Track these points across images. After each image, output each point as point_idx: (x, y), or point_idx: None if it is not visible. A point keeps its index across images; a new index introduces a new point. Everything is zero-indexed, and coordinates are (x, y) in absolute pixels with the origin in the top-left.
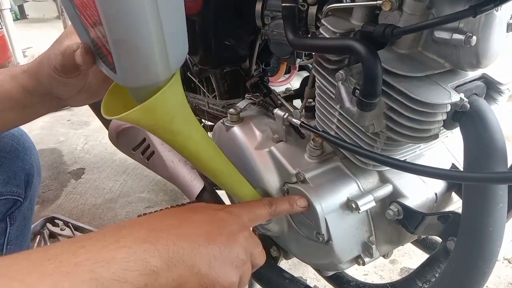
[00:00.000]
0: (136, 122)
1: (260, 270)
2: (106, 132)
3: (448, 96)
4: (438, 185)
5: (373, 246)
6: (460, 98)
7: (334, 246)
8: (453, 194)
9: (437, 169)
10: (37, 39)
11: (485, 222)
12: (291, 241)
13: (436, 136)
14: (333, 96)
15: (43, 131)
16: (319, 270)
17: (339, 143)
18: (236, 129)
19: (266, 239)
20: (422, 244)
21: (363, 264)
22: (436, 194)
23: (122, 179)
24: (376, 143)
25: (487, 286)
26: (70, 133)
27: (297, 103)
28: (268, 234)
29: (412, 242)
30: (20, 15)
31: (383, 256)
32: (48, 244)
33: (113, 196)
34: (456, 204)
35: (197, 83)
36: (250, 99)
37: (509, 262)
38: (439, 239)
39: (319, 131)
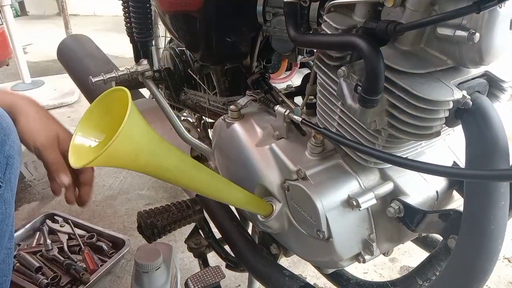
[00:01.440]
0: (100, 165)
1: (260, 267)
2: None
3: (450, 93)
4: (439, 183)
5: (374, 244)
6: (463, 95)
7: (334, 243)
8: (454, 192)
9: (439, 166)
10: (38, 36)
11: (487, 220)
12: (291, 239)
13: (438, 134)
14: (335, 93)
15: None
16: (319, 268)
17: (341, 140)
18: (236, 126)
19: (266, 237)
20: (423, 242)
21: (364, 261)
22: (437, 192)
23: (122, 176)
24: (377, 140)
25: (487, 285)
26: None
27: (298, 100)
28: (268, 232)
29: (412, 240)
30: (21, 11)
31: (384, 254)
32: (48, 240)
33: (113, 193)
34: (457, 202)
35: (198, 80)
36: (251, 95)
37: (509, 261)
38: (439, 238)
39: (320, 128)
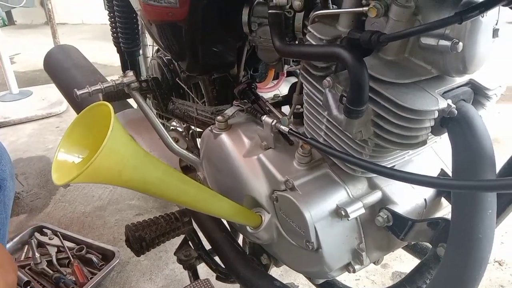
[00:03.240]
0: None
1: (250, 278)
2: None
3: (435, 102)
4: (427, 191)
5: (363, 253)
6: (448, 104)
7: (324, 254)
8: (443, 199)
9: (425, 177)
10: (26, 46)
11: (475, 229)
12: (281, 249)
13: (424, 143)
14: (321, 103)
15: (31, 139)
16: (310, 278)
17: (328, 151)
18: (224, 137)
19: (256, 247)
20: (413, 249)
21: (354, 271)
22: (425, 200)
23: (111, 187)
24: (364, 150)
25: None
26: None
27: (286, 109)
28: (257, 242)
29: (402, 248)
30: (8, 21)
31: (374, 263)
32: (37, 254)
33: (103, 204)
34: (445, 210)
35: (186, 89)
36: (238, 106)
37: (500, 264)
38: (429, 245)
39: (308, 138)
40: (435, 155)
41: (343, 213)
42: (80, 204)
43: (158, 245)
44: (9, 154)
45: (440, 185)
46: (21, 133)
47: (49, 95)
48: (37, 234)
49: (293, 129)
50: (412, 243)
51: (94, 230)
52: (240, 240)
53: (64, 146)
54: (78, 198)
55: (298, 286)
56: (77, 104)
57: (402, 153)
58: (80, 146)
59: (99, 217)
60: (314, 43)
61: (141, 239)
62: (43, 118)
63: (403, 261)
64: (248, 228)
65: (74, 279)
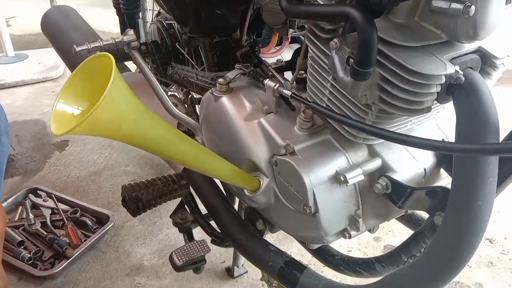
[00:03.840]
0: (83, 133)
1: (245, 242)
2: None
3: (443, 67)
4: (427, 161)
5: (360, 220)
6: (455, 70)
7: (321, 218)
8: (442, 171)
9: (428, 140)
10: (22, 9)
11: (475, 196)
12: (278, 214)
13: (429, 109)
14: (326, 67)
15: (27, 102)
16: (304, 244)
17: (330, 114)
18: (225, 100)
19: (252, 213)
20: (408, 220)
21: (349, 237)
22: (425, 169)
23: (107, 152)
24: (367, 116)
25: (468, 265)
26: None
27: (288, 75)
28: (254, 207)
29: (397, 219)
30: None
31: (369, 231)
32: (31, 215)
33: (98, 169)
34: (444, 181)
35: (185, 54)
36: (240, 69)
37: (491, 242)
38: (425, 216)
39: (310, 102)
40: (437, 127)
41: (342, 179)
42: (75, 168)
43: (155, 206)
44: (4, 111)
45: (443, 148)
46: (16, 96)
47: (46, 59)
48: (31, 196)
49: (296, 93)
50: (409, 212)
51: (89, 194)
52: (236, 207)
53: (63, 97)
54: (73, 163)
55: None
56: (75, 65)
57: (404, 121)
58: (79, 98)
59: (94, 182)
60: (322, 2)
61: (138, 199)
62: (39, 82)
63: (395, 235)
64: (245, 191)
65: (68, 240)
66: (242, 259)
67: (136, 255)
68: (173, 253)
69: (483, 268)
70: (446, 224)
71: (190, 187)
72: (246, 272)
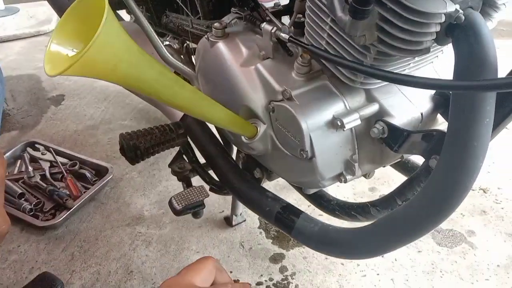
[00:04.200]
0: (77, 75)
1: (244, 189)
2: None
3: (443, 5)
4: (424, 105)
5: (356, 164)
6: (455, 9)
7: (317, 163)
8: (439, 116)
9: (425, 79)
10: None
11: (471, 136)
12: (275, 160)
13: (427, 50)
14: (325, 8)
15: (19, 57)
16: (300, 189)
17: (328, 57)
18: (221, 45)
19: (249, 162)
20: (403, 167)
21: (345, 181)
22: (422, 114)
23: (103, 106)
24: (366, 58)
25: (461, 213)
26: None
27: (286, 20)
28: (252, 154)
29: (393, 166)
30: None
31: (365, 176)
32: (30, 168)
33: (95, 123)
34: (441, 126)
35: (180, 3)
36: (237, 13)
37: (484, 191)
38: (420, 163)
39: (308, 45)
40: (435, 73)
41: (339, 124)
42: (72, 122)
43: (153, 154)
44: None
45: (441, 86)
46: (9, 51)
47: (37, 13)
48: (29, 150)
49: (294, 36)
50: (404, 159)
51: (87, 148)
52: (233, 157)
53: (56, 38)
54: (69, 117)
55: None
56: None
57: (403, 64)
58: (73, 39)
59: (91, 136)
60: None
61: (136, 147)
62: (31, 37)
63: (390, 186)
64: (243, 138)
65: (68, 192)
66: (240, 209)
67: (136, 206)
68: (173, 198)
69: (476, 216)
70: (441, 164)
71: (188, 138)
72: (244, 220)
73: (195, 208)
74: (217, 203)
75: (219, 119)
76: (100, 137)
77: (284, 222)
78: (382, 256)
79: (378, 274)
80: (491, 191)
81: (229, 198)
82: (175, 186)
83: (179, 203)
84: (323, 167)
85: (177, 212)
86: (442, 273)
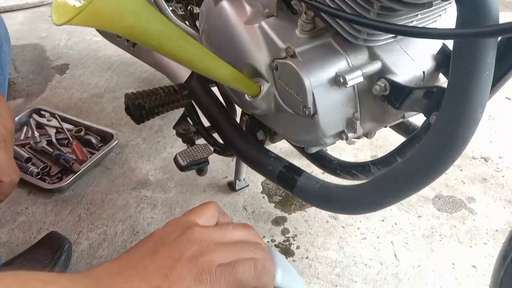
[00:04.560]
0: (84, 24)
1: (247, 150)
2: (89, 29)
3: None
4: (426, 64)
5: (357, 122)
6: None
7: (319, 119)
8: (441, 75)
9: (427, 29)
10: None
11: (470, 89)
12: (278, 120)
13: (430, 4)
14: None
15: (23, 27)
16: (302, 150)
17: (332, 12)
18: (224, 3)
19: (253, 124)
20: (405, 130)
21: (346, 138)
22: (424, 72)
23: (107, 75)
24: (369, 13)
25: (462, 181)
26: (52, 29)
27: None
28: (255, 113)
29: (394, 128)
30: None
31: (366, 136)
32: (36, 133)
33: (99, 91)
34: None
35: None
36: None
37: (486, 160)
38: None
39: (312, 1)
40: None
41: (342, 80)
42: (76, 90)
43: (157, 115)
44: (3, 19)
45: (444, 35)
46: (12, 21)
47: None
48: (35, 116)
49: None
50: (405, 119)
51: (92, 115)
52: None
53: None
54: (74, 85)
55: None
56: None
57: (406, 22)
58: None
59: (96, 104)
60: None
61: (141, 107)
62: (35, 7)
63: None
64: (246, 96)
65: (74, 157)
66: (244, 174)
67: (141, 171)
68: (177, 155)
69: (477, 184)
70: (440, 117)
71: (192, 100)
72: (248, 185)
73: (199, 165)
74: (221, 169)
75: (223, 75)
76: (105, 105)
77: (286, 181)
78: (383, 220)
79: (378, 237)
80: (493, 159)
81: (233, 164)
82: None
83: (184, 159)
84: (325, 124)
85: (182, 168)
86: (441, 237)
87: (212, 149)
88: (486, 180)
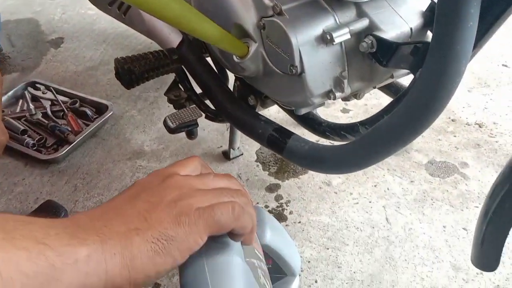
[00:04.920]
0: None
1: (238, 114)
2: (83, 2)
3: None
4: (414, 21)
5: (345, 81)
6: None
7: (307, 78)
8: (428, 33)
9: None
10: None
11: (454, 40)
12: (267, 81)
13: None
14: None
15: (18, 1)
16: (292, 113)
17: None
18: None
19: (244, 90)
20: (393, 91)
21: (334, 98)
22: (411, 29)
23: (102, 48)
24: None
25: (455, 146)
26: (47, 3)
27: None
28: (245, 76)
29: (383, 90)
30: None
31: (355, 97)
32: (31, 105)
33: (94, 64)
34: None
35: None
36: None
37: (480, 126)
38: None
39: None
40: None
41: (328, 38)
42: (71, 64)
43: (147, 80)
44: None
45: None
46: None
47: None
48: (30, 89)
49: None
50: (393, 78)
51: (87, 87)
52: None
53: None
54: (69, 59)
55: None
56: None
57: None
58: None
59: (91, 76)
60: None
61: (131, 71)
62: None
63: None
64: (235, 58)
65: (69, 128)
66: (238, 143)
67: (137, 141)
68: (167, 117)
69: (470, 149)
70: (425, 69)
71: (183, 67)
72: (242, 154)
73: (188, 127)
74: (216, 139)
75: (211, 35)
76: (100, 77)
77: (276, 143)
78: (375, 186)
79: (370, 202)
80: (487, 125)
81: (227, 134)
82: None
83: (173, 121)
84: (312, 83)
85: (171, 130)
86: (433, 201)
87: (201, 112)
88: (480, 145)
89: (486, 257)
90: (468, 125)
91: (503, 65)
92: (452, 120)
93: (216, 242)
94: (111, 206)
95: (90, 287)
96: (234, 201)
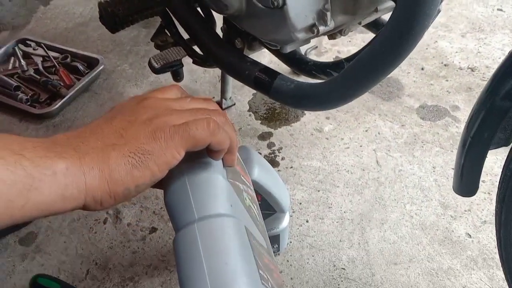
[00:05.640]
0: None
1: (226, 57)
2: None
3: None
4: None
5: (328, 13)
6: None
7: (288, 10)
8: None
9: None
10: None
11: None
12: (251, 19)
13: None
14: None
15: None
16: (278, 53)
17: None
18: None
19: (231, 33)
20: (378, 28)
21: (318, 32)
22: None
23: (92, 4)
24: None
25: (447, 91)
26: None
27: None
28: (229, 14)
29: (368, 28)
30: None
31: (340, 33)
32: (23, 61)
33: (84, 20)
34: None
35: None
36: None
37: (472, 70)
38: None
39: None
40: None
41: None
42: (62, 20)
43: (132, 23)
44: None
45: None
46: None
47: None
48: (21, 46)
49: None
50: (378, 11)
51: (78, 43)
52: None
53: None
54: (59, 15)
55: None
56: None
57: None
58: None
59: (81, 32)
60: None
61: (114, 15)
62: None
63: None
64: None
65: (61, 83)
66: (230, 93)
67: (129, 95)
68: (151, 58)
69: (462, 93)
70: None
71: (170, 12)
72: (234, 104)
73: (173, 67)
74: (208, 91)
75: None
76: (90, 33)
77: (262, 84)
78: (366, 131)
79: (361, 146)
80: (479, 69)
81: (219, 86)
82: (166, 76)
83: (157, 62)
84: (294, 16)
85: (156, 71)
86: (424, 143)
87: (185, 52)
88: (471, 89)
89: (465, 184)
90: (461, 69)
91: (498, 9)
92: (445, 65)
93: (197, 161)
94: (88, 127)
95: (70, 198)
96: (209, 117)
